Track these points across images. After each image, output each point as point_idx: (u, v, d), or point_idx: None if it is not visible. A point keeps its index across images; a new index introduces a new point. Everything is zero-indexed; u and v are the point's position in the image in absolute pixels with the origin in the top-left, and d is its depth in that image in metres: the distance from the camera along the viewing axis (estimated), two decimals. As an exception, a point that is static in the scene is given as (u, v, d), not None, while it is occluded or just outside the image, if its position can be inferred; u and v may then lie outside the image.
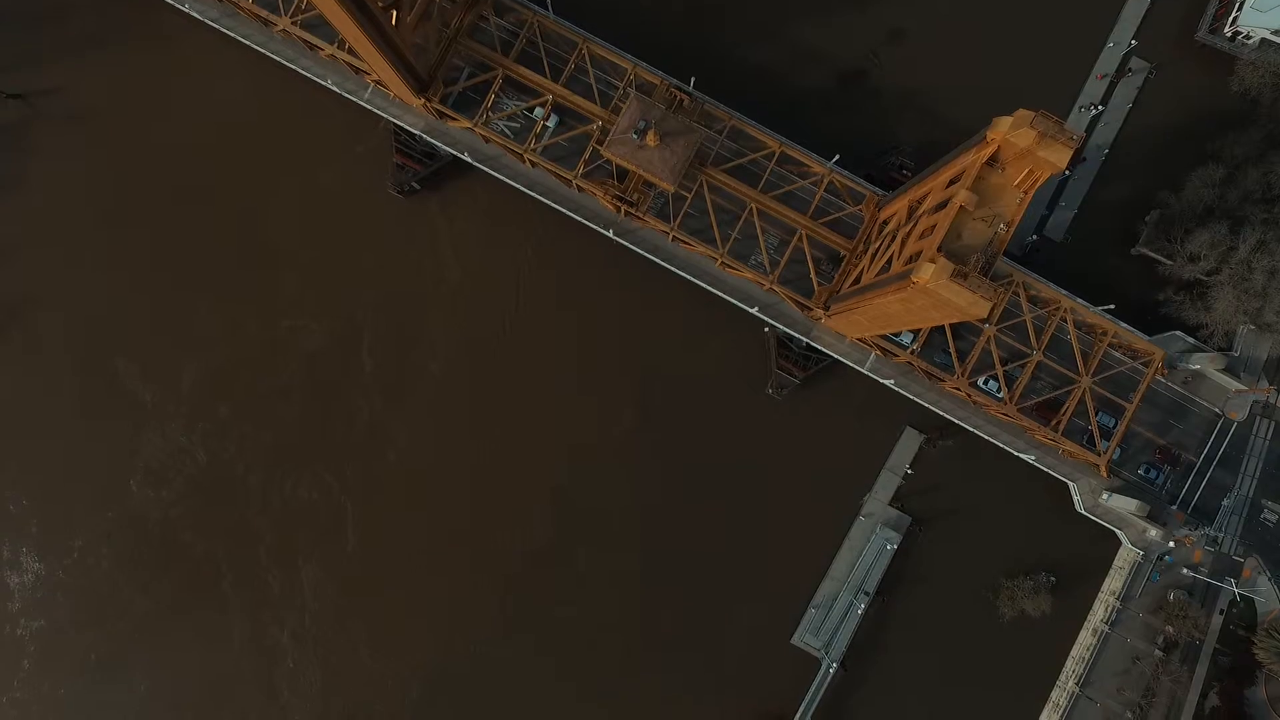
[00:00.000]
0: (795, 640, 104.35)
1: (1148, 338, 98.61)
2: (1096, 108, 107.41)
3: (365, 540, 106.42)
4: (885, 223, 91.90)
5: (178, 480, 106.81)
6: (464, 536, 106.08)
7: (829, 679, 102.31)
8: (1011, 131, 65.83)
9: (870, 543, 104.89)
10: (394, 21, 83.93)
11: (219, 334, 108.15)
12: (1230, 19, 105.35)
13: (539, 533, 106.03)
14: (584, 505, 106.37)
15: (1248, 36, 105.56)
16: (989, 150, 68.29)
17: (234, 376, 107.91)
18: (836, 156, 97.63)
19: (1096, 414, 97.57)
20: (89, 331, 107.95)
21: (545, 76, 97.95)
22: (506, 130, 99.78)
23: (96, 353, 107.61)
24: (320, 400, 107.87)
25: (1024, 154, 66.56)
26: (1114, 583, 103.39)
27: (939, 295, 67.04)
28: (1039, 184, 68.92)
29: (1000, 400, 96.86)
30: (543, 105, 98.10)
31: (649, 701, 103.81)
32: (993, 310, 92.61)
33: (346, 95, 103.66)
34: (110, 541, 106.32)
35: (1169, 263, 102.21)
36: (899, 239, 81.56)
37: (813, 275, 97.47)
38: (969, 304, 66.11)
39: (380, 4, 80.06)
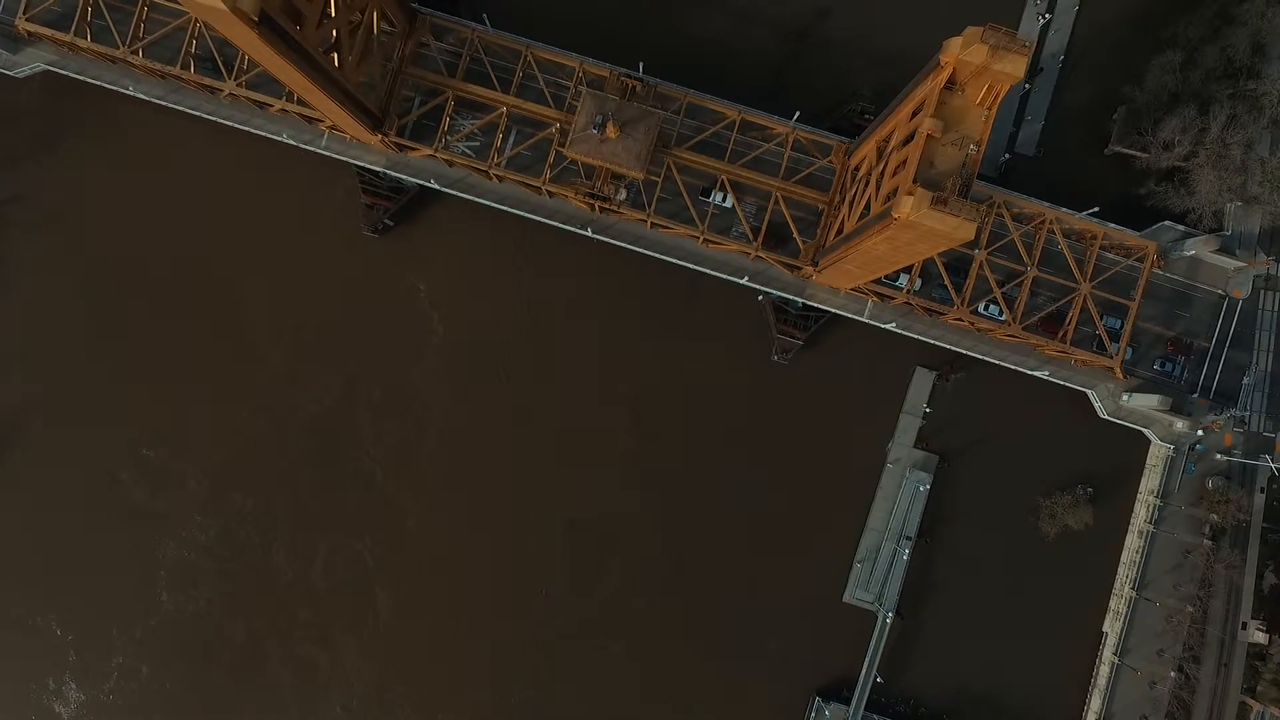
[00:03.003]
0: (847, 598, 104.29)
1: (1137, 233, 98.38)
2: (1044, 17, 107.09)
3: (398, 611, 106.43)
4: (857, 169, 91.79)
5: (205, 579, 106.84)
6: (490, 590, 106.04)
7: (887, 630, 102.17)
8: (963, 51, 65.73)
9: (903, 488, 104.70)
10: (337, 64, 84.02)
11: (218, 422, 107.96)
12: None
13: (566, 564, 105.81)
14: (606, 520, 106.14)
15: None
16: (945, 74, 68.20)
17: (240, 463, 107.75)
18: (797, 114, 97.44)
19: (1101, 318, 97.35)
20: (93, 443, 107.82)
21: (495, 90, 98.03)
22: (467, 150, 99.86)
23: (100, 465, 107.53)
24: (329, 469, 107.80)
25: (980, 71, 66.45)
26: (1151, 482, 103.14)
27: (922, 226, 66.96)
28: (1000, 98, 68.81)
29: (1004, 322, 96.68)
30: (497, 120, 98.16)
31: (714, 695, 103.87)
32: (979, 232, 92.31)
33: (304, 146, 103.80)
34: (143, 648, 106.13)
35: (1144, 155, 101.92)
36: (873, 181, 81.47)
37: (795, 234, 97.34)
38: (953, 228, 66.02)
39: (320, 49, 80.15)
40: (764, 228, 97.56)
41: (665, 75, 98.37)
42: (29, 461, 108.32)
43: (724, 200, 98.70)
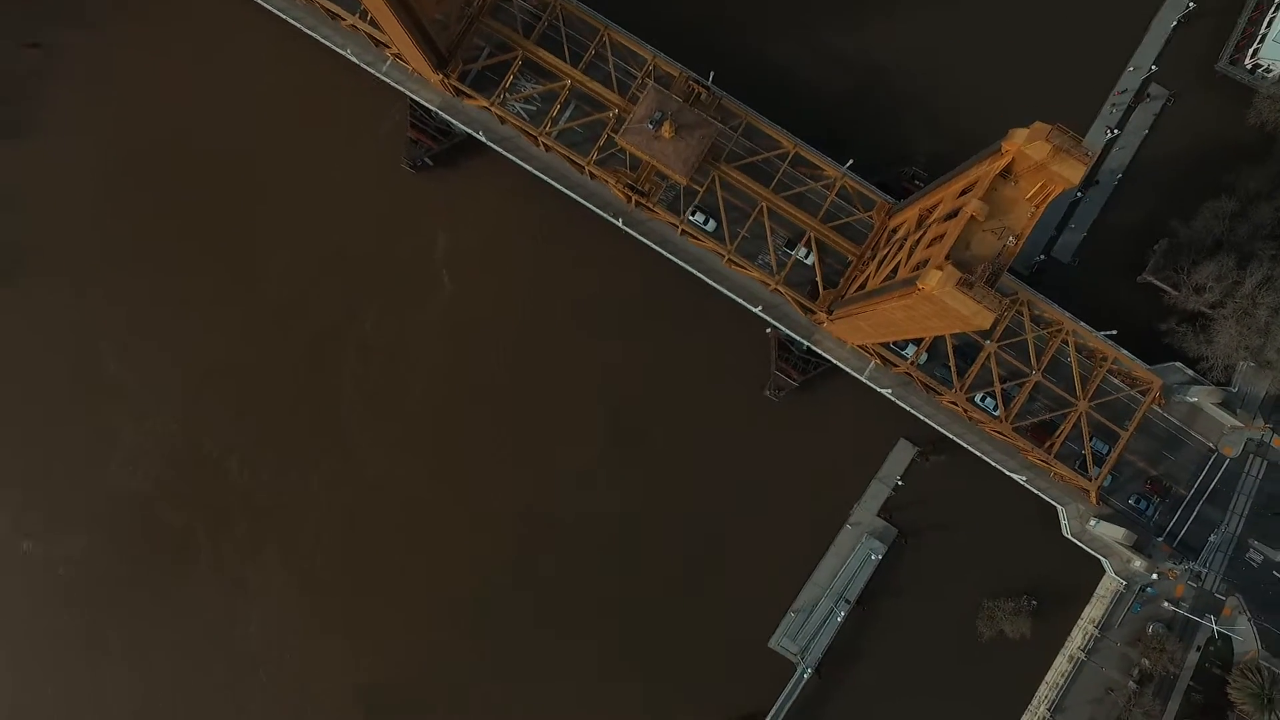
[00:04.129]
0: (773, 643, 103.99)
1: (1147, 366, 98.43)
2: (1113, 131, 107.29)
3: (333, 549, 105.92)
4: (894, 230, 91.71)
5: (156, 466, 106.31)
6: (438, 544, 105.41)
7: (802, 684, 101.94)
8: (1027, 144, 65.65)
9: (855, 551, 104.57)
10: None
11: (209, 322, 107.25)
12: (1251, 51, 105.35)
13: (509, 550, 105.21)
14: (563, 514, 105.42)
15: (1268, 69, 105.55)
16: (1003, 161, 68.14)
17: (220, 367, 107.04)
18: (850, 161, 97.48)
19: (1091, 439, 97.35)
20: (80, 307, 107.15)
21: (565, 61, 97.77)
22: (523, 112, 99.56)
23: (85, 329, 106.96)
24: (304, 394, 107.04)
25: (1038, 168, 66.38)
26: (1094, 611, 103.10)
27: (943, 303, 66.81)
28: (1050, 199, 68.73)
29: (996, 418, 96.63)
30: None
31: (624, 699, 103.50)
32: (995, 324, 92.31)
33: (365, 67, 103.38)
34: (79, 510, 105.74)
35: (1174, 293, 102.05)
36: (907, 246, 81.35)
37: (819, 278, 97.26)
38: (972, 314, 65.89)
39: (405, -26, 79.91)
40: (790, 263, 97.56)
41: (733, 90, 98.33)
42: (6, 303, 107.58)
43: (805, 257, 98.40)
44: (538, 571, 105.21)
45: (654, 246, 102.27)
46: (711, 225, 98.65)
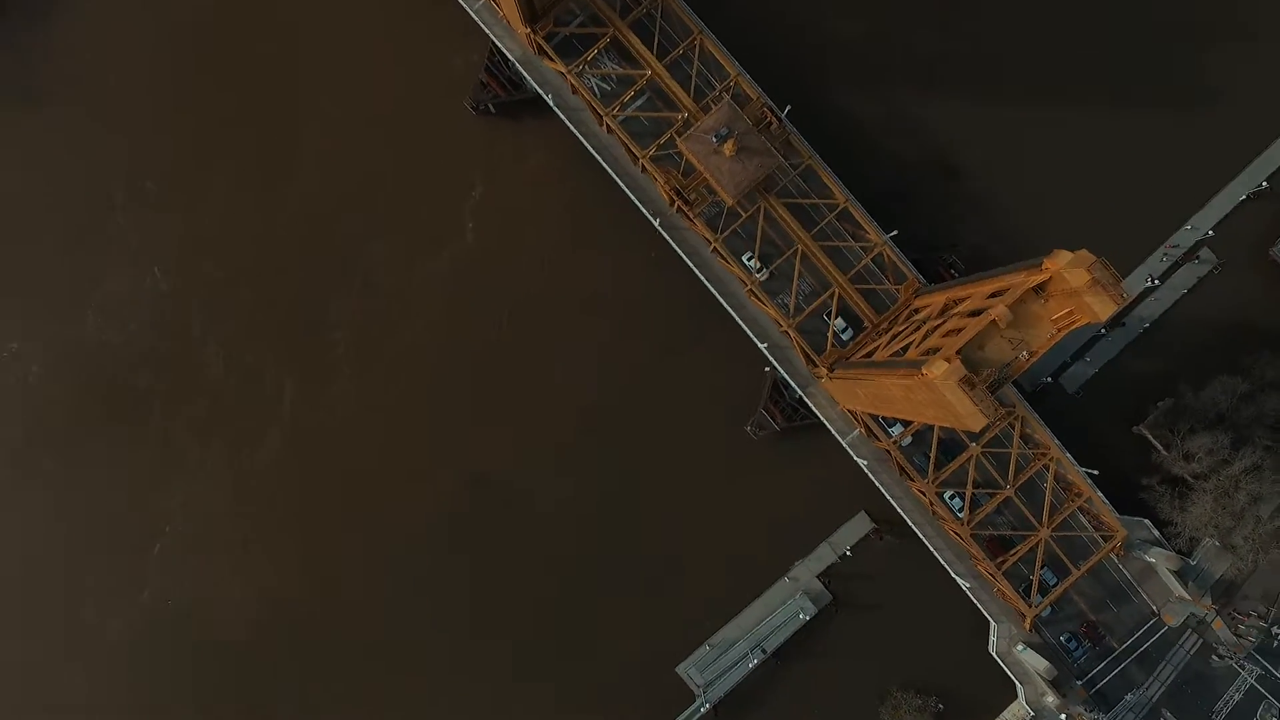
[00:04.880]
0: (680, 669, 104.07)
1: (1117, 515, 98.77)
2: (1154, 281, 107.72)
3: (280, 461, 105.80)
4: (916, 310, 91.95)
5: (135, 323, 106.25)
6: (381, 491, 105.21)
7: (697, 717, 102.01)
8: (1069, 268, 65.92)
9: (786, 605, 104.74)
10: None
11: (226, 203, 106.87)
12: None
13: (451, 514, 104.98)
14: (512, 493, 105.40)
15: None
16: (1041, 277, 68.38)
17: (225, 247, 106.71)
18: (894, 232, 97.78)
19: (1042, 567, 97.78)
20: (106, 146, 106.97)
21: (651, 52, 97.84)
22: (596, 88, 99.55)
23: (102, 168, 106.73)
24: (299, 301, 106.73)
25: (1072, 293, 66.63)
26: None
27: (942, 394, 67.05)
28: (1074, 327, 69.00)
29: (959, 519, 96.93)
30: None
31: (516, 692, 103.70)
32: (986, 429, 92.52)
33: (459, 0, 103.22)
34: (41, 345, 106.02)
35: (1164, 452, 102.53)
36: (924, 329, 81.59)
37: (830, 334, 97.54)
38: (967, 413, 66.13)
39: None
40: (807, 311, 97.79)
41: (803, 129, 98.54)
42: (40, 126, 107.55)
43: (842, 330, 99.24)
44: (473, 540, 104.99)
45: (682, 255, 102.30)
46: (764, 275, 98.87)
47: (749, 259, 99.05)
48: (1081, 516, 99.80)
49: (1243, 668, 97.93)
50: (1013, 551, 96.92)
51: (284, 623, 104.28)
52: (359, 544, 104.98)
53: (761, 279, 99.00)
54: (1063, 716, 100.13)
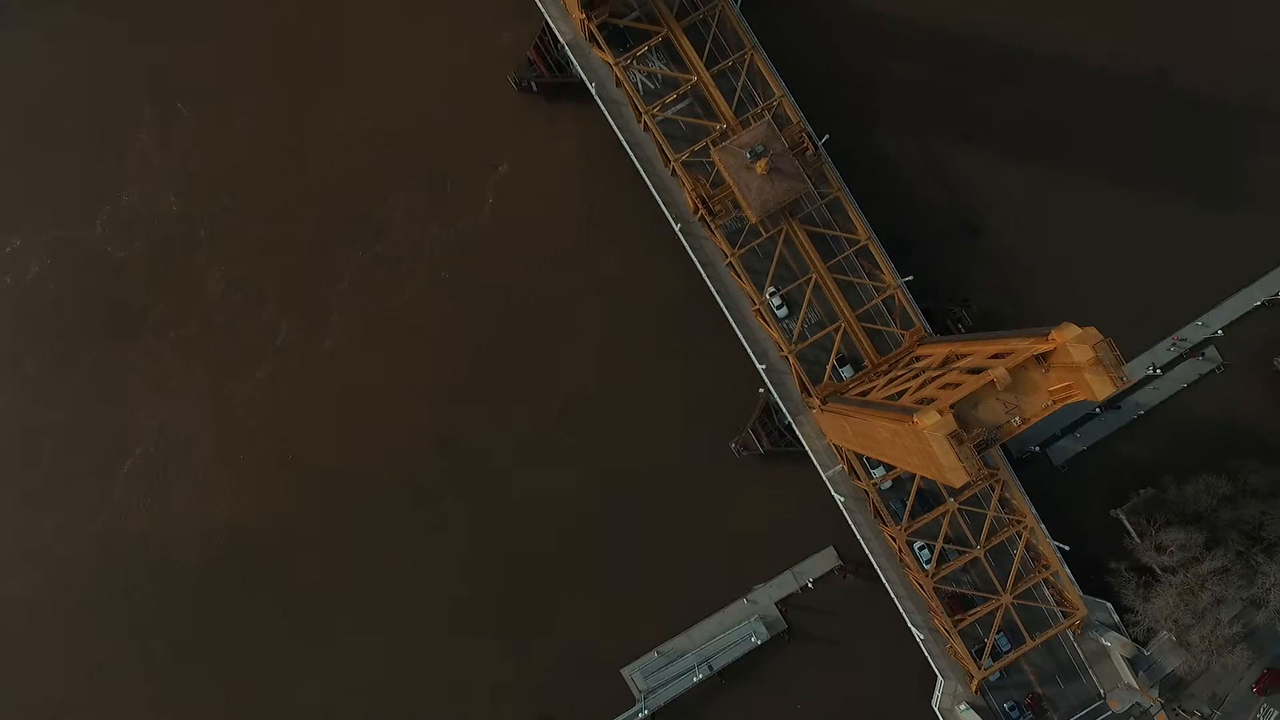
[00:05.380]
0: (625, 672, 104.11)
1: (1080, 593, 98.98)
2: (1156, 370, 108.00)
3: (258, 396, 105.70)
4: (918, 358, 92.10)
5: (141, 241, 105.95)
6: (356, 443, 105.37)
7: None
8: (1074, 342, 66.23)
9: (740, 626, 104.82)
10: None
11: (255, 137, 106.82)
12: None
13: (418, 476, 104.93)
14: (478, 468, 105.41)
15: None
16: (1045, 346, 68.59)
17: (244, 179, 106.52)
18: (910, 277, 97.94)
19: (998, 632, 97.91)
20: (144, 58, 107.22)
21: (701, 59, 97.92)
22: (640, 84, 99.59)
23: (137, 83, 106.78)
24: (310, 243, 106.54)
25: (1073, 368, 66.88)
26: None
27: (928, 444, 67.23)
28: (1070, 401, 69.24)
29: (925, 571, 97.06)
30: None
31: (464, 672, 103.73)
32: (966, 486, 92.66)
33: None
34: (47, 250, 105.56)
35: (1137, 540, 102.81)
36: (922, 378, 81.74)
37: (829, 366, 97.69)
38: (950, 467, 66.32)
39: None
40: (810, 340, 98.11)
41: (838, 161, 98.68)
42: (88, 30, 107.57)
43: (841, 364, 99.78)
44: (439, 505, 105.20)
45: (697, 264, 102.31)
46: (784, 311, 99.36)
47: (771, 293, 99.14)
48: (1045, 589, 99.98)
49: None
50: (972, 611, 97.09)
51: (237, 559, 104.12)
52: (321, 491, 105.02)
53: (781, 314, 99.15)
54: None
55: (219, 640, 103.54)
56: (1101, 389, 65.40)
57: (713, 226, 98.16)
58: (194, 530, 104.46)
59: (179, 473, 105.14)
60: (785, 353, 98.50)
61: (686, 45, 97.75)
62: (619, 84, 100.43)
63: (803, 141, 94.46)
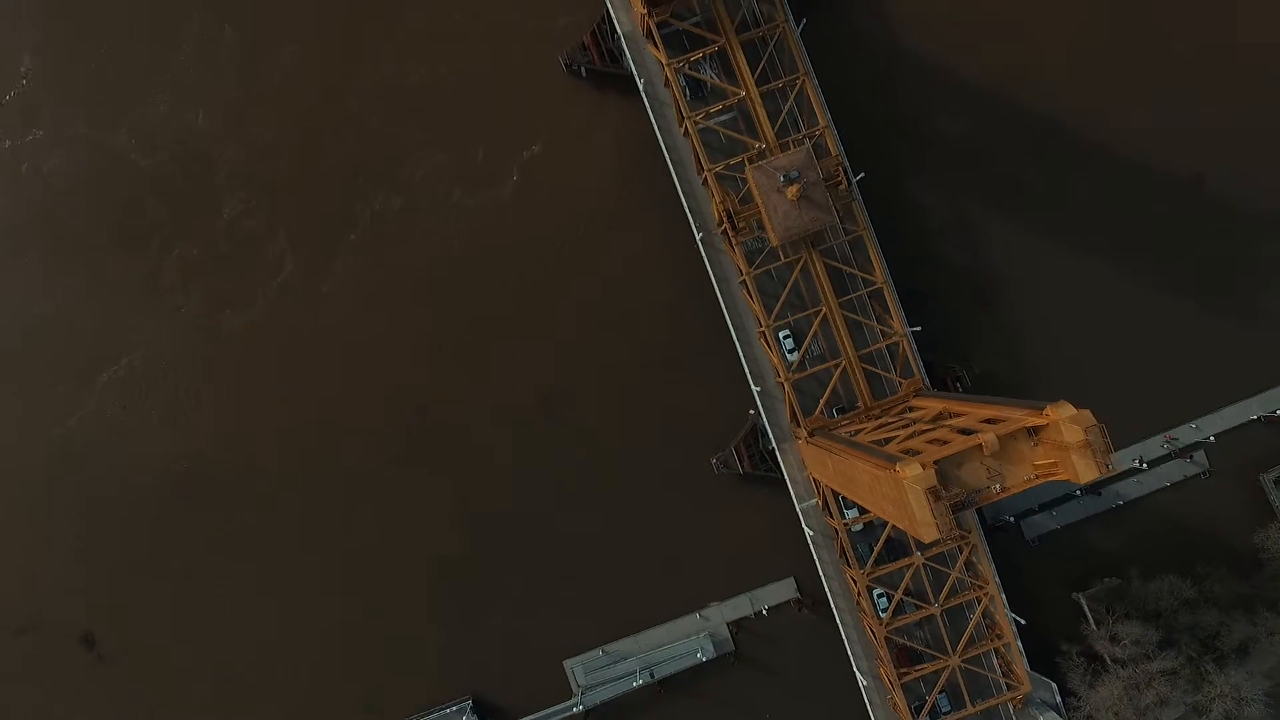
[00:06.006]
0: (567, 664, 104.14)
1: (1028, 669, 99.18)
2: (1142, 464, 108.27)
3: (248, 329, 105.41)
4: (911, 409, 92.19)
5: (163, 154, 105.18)
6: (340, 396, 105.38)
7: (568, 716, 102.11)
8: (1067, 421, 66.27)
9: (688, 640, 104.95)
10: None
11: (289, 75, 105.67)
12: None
13: (392, 440, 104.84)
14: (450, 438, 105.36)
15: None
16: (1038, 420, 68.67)
17: (276, 110, 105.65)
18: (918, 328, 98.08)
19: (940, 692, 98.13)
20: None
21: (753, 75, 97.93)
22: (686, 86, 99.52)
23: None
24: (328, 186, 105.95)
25: (1062, 446, 66.96)
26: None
27: (905, 495, 67.24)
28: (1053, 479, 69.30)
29: (879, 618, 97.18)
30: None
31: (406, 635, 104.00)
32: (936, 543, 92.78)
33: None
34: (69, 152, 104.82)
35: (1093, 626, 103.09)
36: (912, 429, 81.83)
37: (823, 400, 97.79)
38: (922, 521, 66.36)
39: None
40: (809, 371, 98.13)
41: (868, 201, 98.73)
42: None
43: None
44: (408, 469, 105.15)
45: (711, 276, 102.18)
46: (789, 344, 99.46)
47: (785, 335, 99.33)
48: (995, 658, 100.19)
49: None
50: (919, 667, 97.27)
51: (196, 489, 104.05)
52: (294, 435, 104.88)
53: (787, 347, 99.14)
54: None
55: (166, 566, 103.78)
56: (1086, 472, 65.47)
57: (734, 242, 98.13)
58: (162, 451, 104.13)
59: (156, 391, 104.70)
60: (782, 379, 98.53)
61: (741, 60, 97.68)
62: (667, 84, 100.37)
63: (838, 175, 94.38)
